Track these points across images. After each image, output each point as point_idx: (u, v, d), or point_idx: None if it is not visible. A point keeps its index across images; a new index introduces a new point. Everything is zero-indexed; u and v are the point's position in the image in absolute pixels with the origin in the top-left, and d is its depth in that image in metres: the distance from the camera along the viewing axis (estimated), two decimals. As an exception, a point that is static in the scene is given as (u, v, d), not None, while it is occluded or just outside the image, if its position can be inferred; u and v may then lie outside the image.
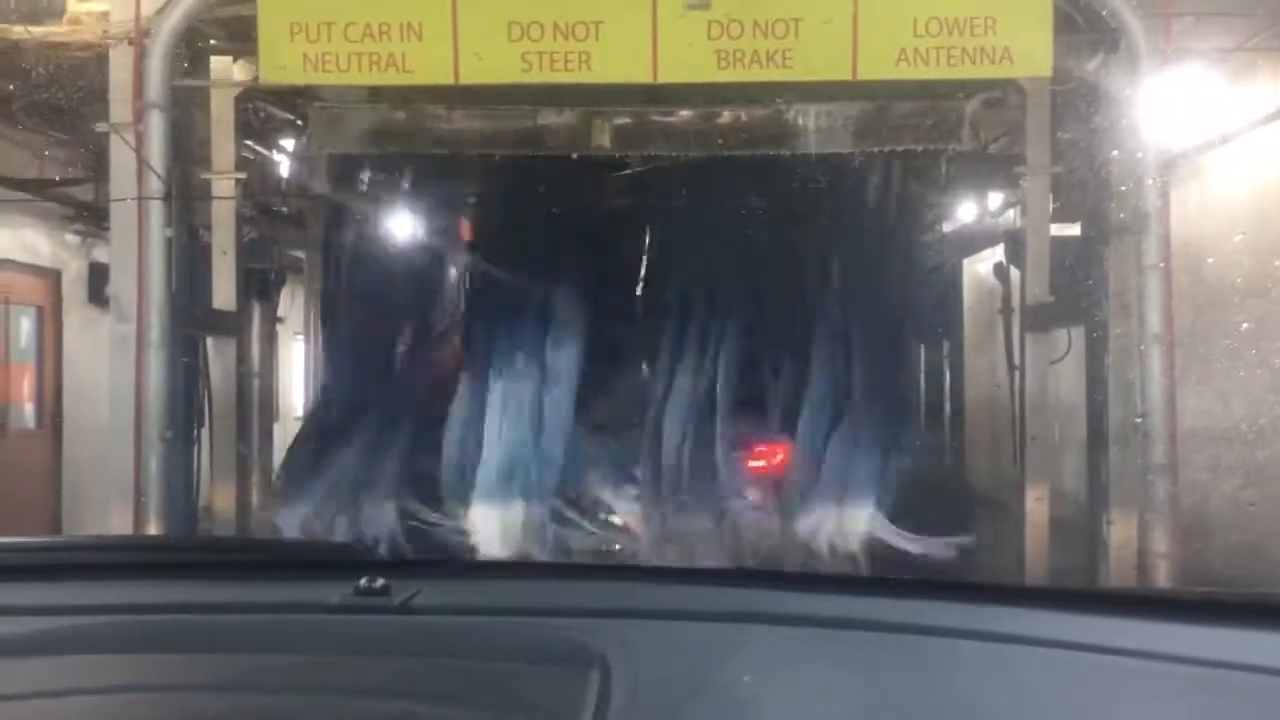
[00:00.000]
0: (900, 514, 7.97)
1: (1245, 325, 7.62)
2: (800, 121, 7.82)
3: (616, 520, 8.12)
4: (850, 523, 8.00)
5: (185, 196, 7.27)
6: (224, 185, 7.53)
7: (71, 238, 11.31)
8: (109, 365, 7.20)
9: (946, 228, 10.32)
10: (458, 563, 3.52)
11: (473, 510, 8.09)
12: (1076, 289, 7.56)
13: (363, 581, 1.83)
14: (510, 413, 8.64)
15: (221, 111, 7.51)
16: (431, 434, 8.51)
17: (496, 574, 2.39)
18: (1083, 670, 1.61)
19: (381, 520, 8.00)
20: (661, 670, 1.55)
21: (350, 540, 7.59)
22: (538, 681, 1.54)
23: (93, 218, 10.62)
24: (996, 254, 9.03)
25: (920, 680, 1.60)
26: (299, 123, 8.45)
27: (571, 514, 8.07)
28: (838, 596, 1.98)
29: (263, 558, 2.32)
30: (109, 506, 7.07)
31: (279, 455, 9.10)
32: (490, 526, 8.00)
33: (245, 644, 1.72)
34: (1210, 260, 7.89)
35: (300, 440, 8.85)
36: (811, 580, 2.22)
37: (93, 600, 1.86)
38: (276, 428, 9.25)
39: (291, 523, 7.90)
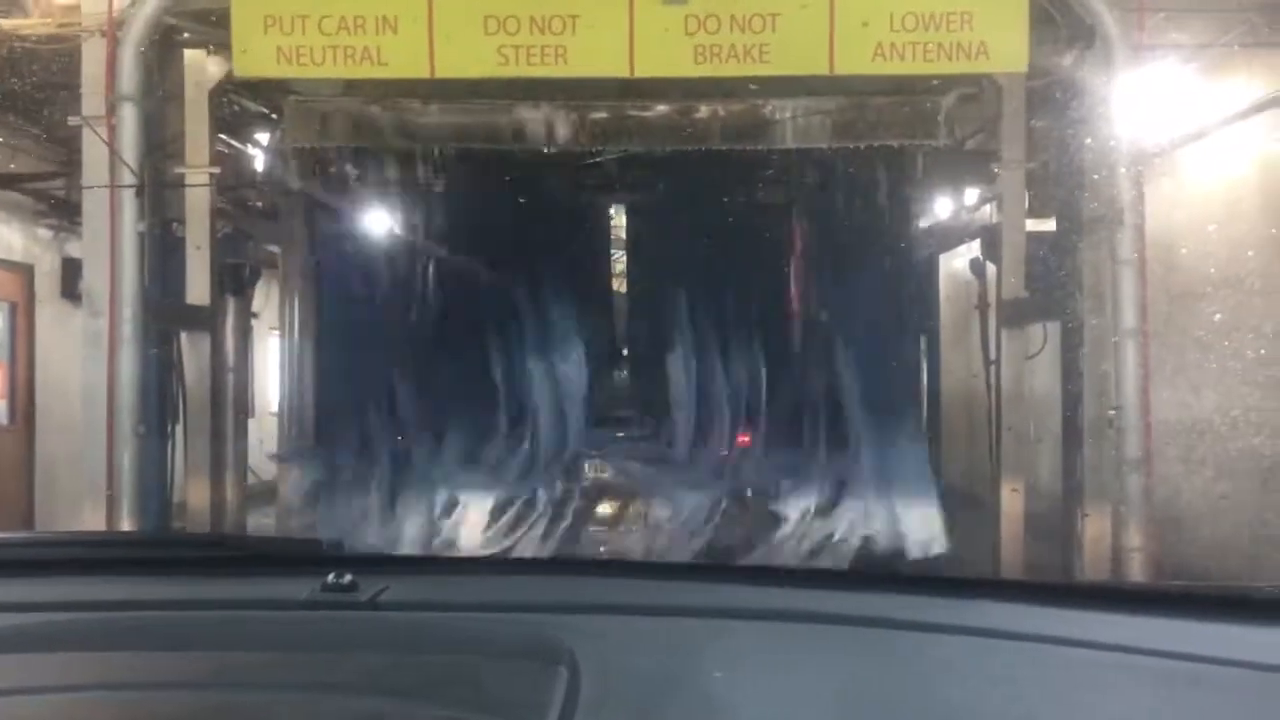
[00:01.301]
0: (877, 508, 8.01)
1: (1218, 317, 7.67)
2: (777, 116, 7.83)
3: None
4: (825, 515, 8.03)
5: (158, 191, 7.22)
6: (198, 179, 7.47)
7: (44, 232, 11.25)
8: (82, 361, 7.15)
9: (923, 223, 10.34)
10: (426, 558, 3.52)
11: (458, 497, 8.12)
12: (1052, 284, 7.60)
13: (330, 577, 1.82)
14: (489, 405, 8.64)
15: (195, 105, 7.47)
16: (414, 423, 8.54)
17: (465, 569, 2.38)
18: (1058, 663, 1.61)
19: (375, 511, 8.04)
20: (631, 665, 1.54)
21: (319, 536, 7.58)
22: (506, 677, 1.53)
23: (65, 212, 10.57)
24: (973, 249, 9.06)
25: (894, 675, 1.59)
26: (273, 116, 8.40)
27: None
28: (810, 591, 1.98)
29: (231, 553, 2.30)
30: (82, 502, 7.03)
31: (253, 451, 9.07)
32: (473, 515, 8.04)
33: (213, 640, 1.70)
34: (1183, 252, 7.95)
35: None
36: (784, 575, 2.22)
37: (60, 597, 1.85)
38: (251, 424, 9.20)
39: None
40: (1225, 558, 7.51)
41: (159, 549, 2.44)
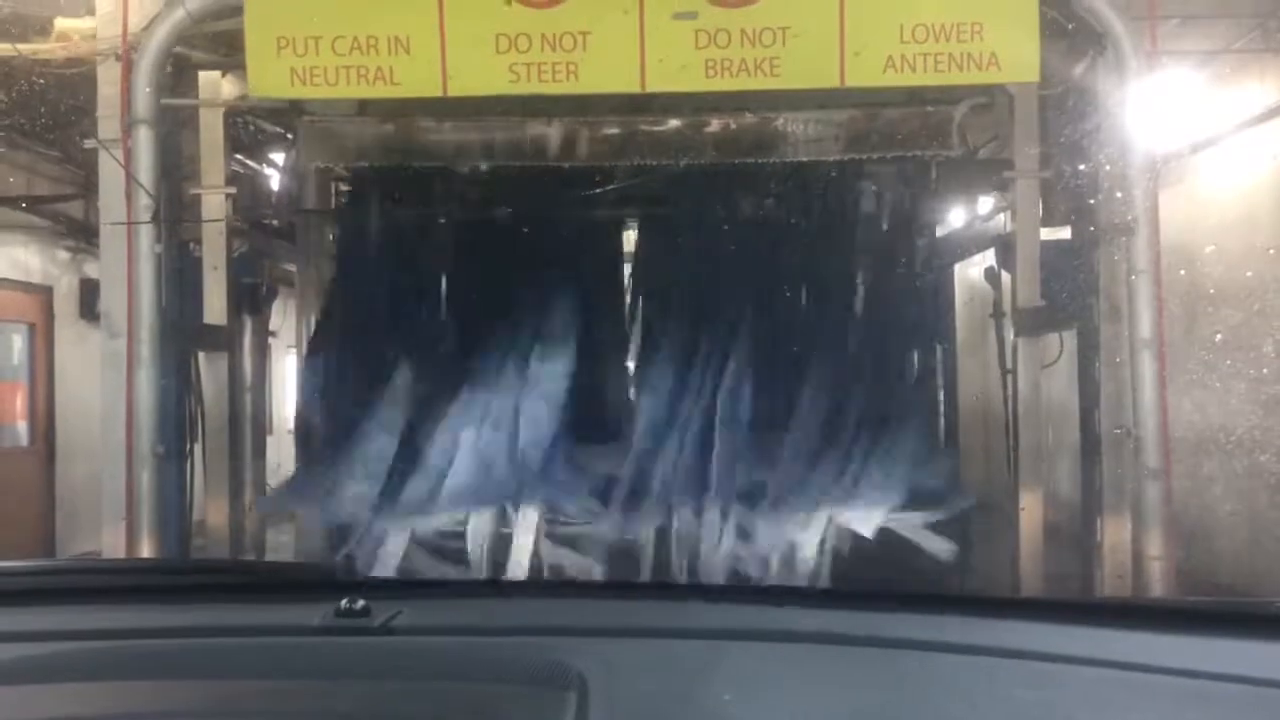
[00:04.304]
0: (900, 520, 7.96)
1: (1219, 337, 7.64)
2: (789, 129, 7.82)
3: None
4: (848, 528, 7.99)
5: (175, 212, 7.26)
6: (214, 200, 7.52)
7: (62, 254, 11.34)
8: (100, 381, 7.19)
9: (937, 233, 10.31)
10: (438, 582, 3.53)
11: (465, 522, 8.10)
12: (1067, 293, 7.57)
13: (343, 603, 1.83)
14: (504, 424, 8.62)
15: (211, 126, 7.52)
16: (422, 447, 8.50)
17: (476, 594, 2.39)
18: (1065, 682, 1.61)
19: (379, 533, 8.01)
20: (640, 689, 1.54)
21: (335, 559, 7.58)
22: (517, 702, 1.54)
23: (83, 234, 10.65)
24: (987, 259, 9.03)
25: (903, 695, 1.59)
26: (288, 136, 8.44)
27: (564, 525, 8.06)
28: (818, 611, 1.98)
29: (243, 580, 2.31)
30: (102, 523, 7.06)
31: (272, 469, 9.09)
32: (482, 538, 8.01)
33: (226, 667, 1.71)
34: (1190, 267, 7.92)
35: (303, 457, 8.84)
36: (792, 595, 2.22)
37: (72, 625, 1.86)
38: (270, 441, 9.23)
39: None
40: (1235, 572, 7.48)
41: (171, 576, 2.46)
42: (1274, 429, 7.33)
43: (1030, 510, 7.55)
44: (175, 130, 7.29)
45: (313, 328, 8.97)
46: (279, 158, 8.93)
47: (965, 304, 10.59)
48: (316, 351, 8.88)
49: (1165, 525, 6.73)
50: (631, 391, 9.01)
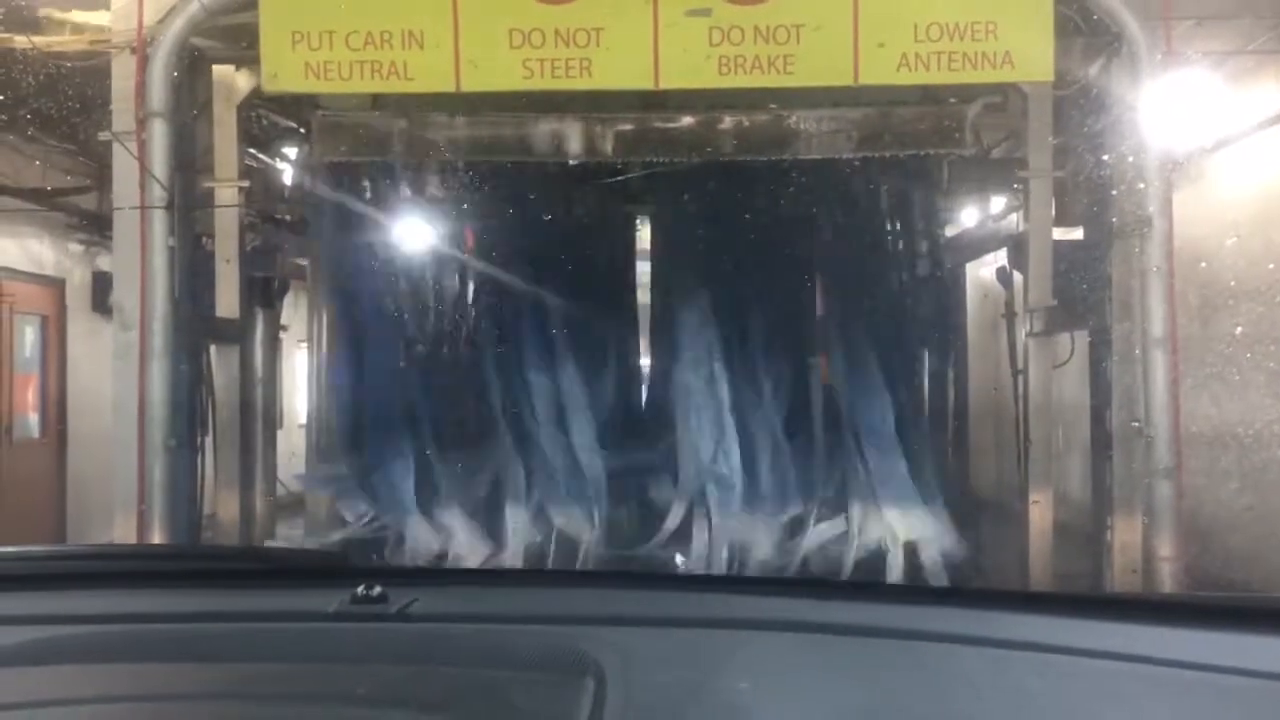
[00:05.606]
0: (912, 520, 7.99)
1: (1239, 330, 7.62)
2: (802, 127, 7.81)
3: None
4: (862, 528, 8.01)
5: (188, 205, 7.27)
6: (227, 193, 7.54)
7: (75, 246, 11.35)
8: (112, 374, 7.20)
9: (949, 232, 10.30)
10: (454, 570, 3.53)
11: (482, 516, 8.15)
12: (1079, 293, 7.56)
13: (360, 589, 1.83)
14: (517, 419, 8.65)
15: (224, 120, 7.53)
16: (442, 444, 8.55)
17: (493, 581, 2.39)
18: (1079, 675, 1.61)
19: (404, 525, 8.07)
20: (657, 677, 1.55)
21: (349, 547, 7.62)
22: (534, 689, 1.55)
23: (96, 226, 10.66)
24: (1000, 258, 9.02)
25: (917, 686, 1.60)
26: (302, 131, 8.45)
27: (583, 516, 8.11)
28: (834, 602, 1.98)
29: (260, 566, 2.32)
30: (113, 515, 7.06)
31: (282, 463, 9.11)
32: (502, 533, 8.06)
33: (243, 653, 1.72)
34: (1205, 264, 7.90)
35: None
36: (808, 586, 2.22)
37: (90, 609, 1.87)
38: (280, 435, 9.24)
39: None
40: (1249, 569, 7.46)
41: (188, 561, 2.46)
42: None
43: (1041, 508, 7.55)
44: (189, 123, 7.30)
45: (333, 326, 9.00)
46: (293, 152, 8.94)
47: (978, 304, 10.57)
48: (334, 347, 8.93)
49: (1176, 524, 6.71)
50: (651, 388, 9.02)
